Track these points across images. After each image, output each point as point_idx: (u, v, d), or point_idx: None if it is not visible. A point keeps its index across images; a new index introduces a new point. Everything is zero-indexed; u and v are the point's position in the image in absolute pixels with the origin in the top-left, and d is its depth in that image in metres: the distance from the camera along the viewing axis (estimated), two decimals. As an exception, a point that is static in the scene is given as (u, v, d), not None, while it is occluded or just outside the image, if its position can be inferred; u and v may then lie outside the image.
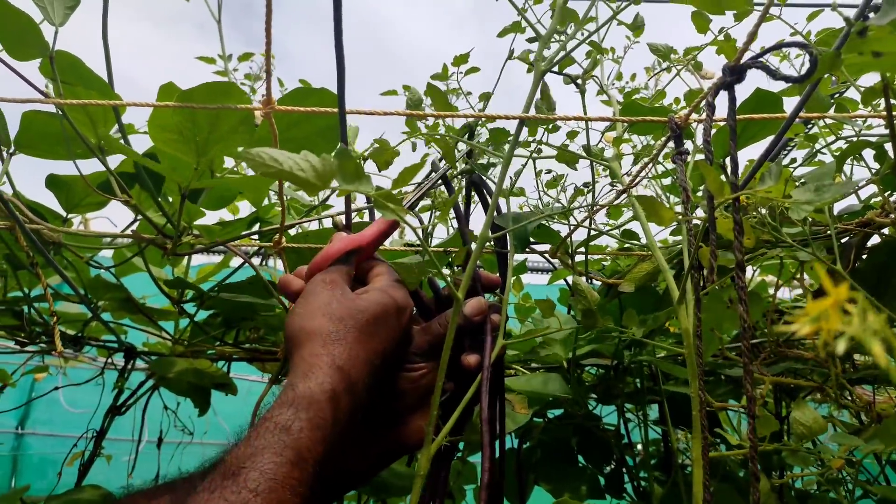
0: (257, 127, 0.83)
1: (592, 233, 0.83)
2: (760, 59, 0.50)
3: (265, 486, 0.42)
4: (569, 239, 0.80)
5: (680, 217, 0.54)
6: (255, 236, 0.86)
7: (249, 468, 0.43)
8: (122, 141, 0.75)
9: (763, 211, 0.74)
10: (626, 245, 0.92)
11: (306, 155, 0.44)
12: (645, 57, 1.10)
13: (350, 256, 0.62)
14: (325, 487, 0.56)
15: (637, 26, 0.86)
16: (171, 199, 0.81)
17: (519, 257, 1.56)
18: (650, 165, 0.67)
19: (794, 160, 0.84)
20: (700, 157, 0.82)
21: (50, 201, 0.90)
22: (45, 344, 1.10)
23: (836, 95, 0.84)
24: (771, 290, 0.89)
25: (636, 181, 0.67)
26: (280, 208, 0.74)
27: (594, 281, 0.94)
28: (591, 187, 0.82)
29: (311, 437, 0.46)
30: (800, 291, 1.26)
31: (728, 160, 0.51)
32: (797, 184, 0.56)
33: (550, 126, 0.73)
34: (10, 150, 0.79)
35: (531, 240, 0.90)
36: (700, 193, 0.81)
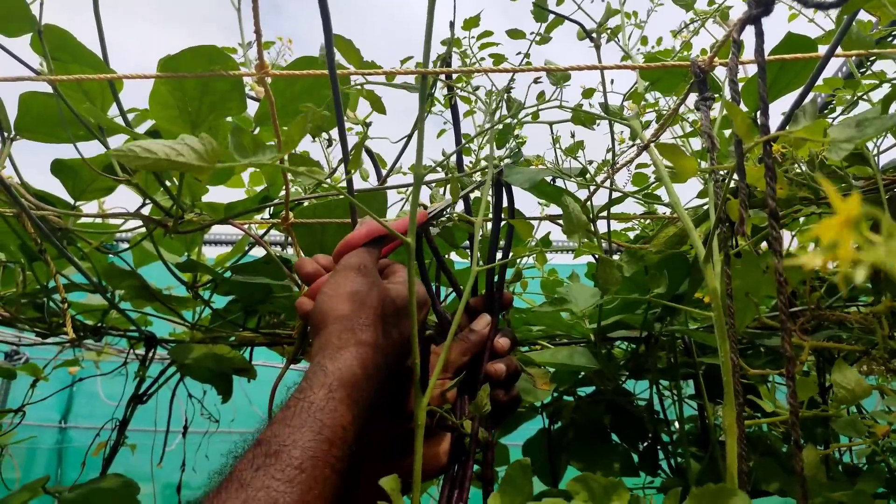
0: (258, 102, 0.81)
1: (615, 195, 0.78)
2: (790, -14, 0.45)
3: (309, 464, 0.44)
4: (590, 203, 0.76)
5: (704, 168, 0.49)
6: (265, 215, 0.83)
7: (291, 446, 0.44)
8: (120, 119, 0.73)
9: (800, 167, 0.69)
10: (652, 209, 0.87)
11: (184, 138, 0.41)
12: (670, 21, 1.04)
13: (378, 242, 0.62)
14: None
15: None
16: (175, 180, 0.79)
17: (541, 232, 1.51)
18: (674, 113, 0.62)
19: (832, 109, 0.78)
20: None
21: (59, 190, 0.88)
22: (67, 335, 1.09)
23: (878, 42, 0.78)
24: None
25: (659, 134, 0.62)
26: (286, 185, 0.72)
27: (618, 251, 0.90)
28: (610, 148, 0.77)
29: (346, 415, 0.48)
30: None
31: (759, 109, 0.46)
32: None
33: (560, 77, 0.69)
34: (11, 135, 0.77)
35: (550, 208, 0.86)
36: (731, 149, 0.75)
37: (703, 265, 0.53)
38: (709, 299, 1.18)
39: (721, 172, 0.51)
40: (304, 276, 0.63)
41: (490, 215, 0.71)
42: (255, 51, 0.55)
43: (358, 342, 0.53)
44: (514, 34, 0.69)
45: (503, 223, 0.71)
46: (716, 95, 0.73)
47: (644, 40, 1.09)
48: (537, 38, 0.91)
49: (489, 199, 0.71)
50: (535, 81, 0.75)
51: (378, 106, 0.75)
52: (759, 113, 0.45)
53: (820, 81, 1.06)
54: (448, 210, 0.70)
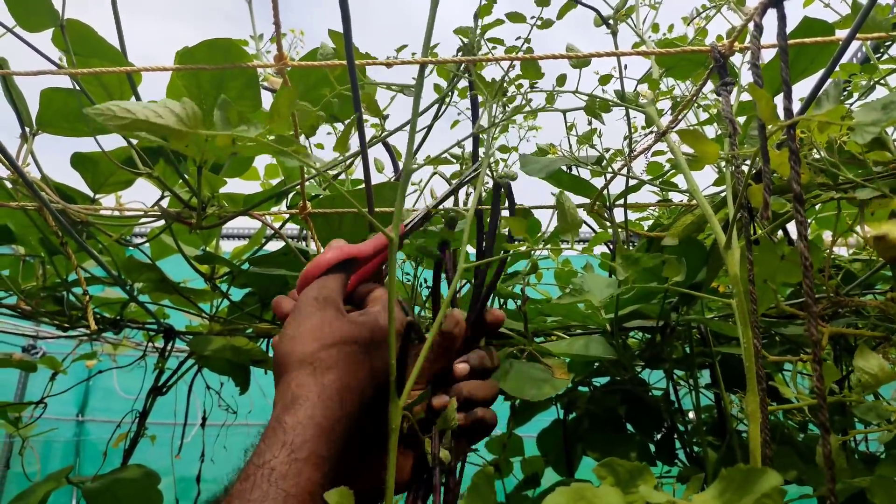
0: (274, 94, 0.81)
1: (631, 183, 0.78)
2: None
3: None
4: (606, 192, 0.76)
5: (725, 154, 0.49)
6: (283, 206, 0.84)
7: None
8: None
9: (819, 153, 0.69)
10: (667, 198, 0.87)
11: (166, 102, 0.40)
12: (680, 9, 1.03)
13: (347, 267, 0.56)
14: None
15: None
16: (194, 174, 0.79)
17: (553, 224, 1.51)
18: (692, 99, 0.62)
19: (849, 94, 0.77)
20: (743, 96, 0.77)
21: (78, 183, 0.89)
22: (87, 328, 1.11)
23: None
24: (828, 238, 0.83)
25: (677, 121, 0.62)
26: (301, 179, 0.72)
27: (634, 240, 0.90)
28: (627, 136, 0.77)
29: (313, 476, 0.43)
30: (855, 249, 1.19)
31: (781, 93, 0.46)
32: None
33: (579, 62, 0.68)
34: (33, 130, 0.78)
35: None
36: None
37: (723, 252, 0.53)
38: (724, 288, 1.18)
39: (741, 158, 0.51)
40: (281, 317, 0.55)
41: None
42: (268, 43, 0.55)
43: (321, 388, 0.47)
44: (515, 17, 0.68)
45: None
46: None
47: (655, 27, 1.08)
48: (539, 23, 0.91)
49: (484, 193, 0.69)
50: (531, 86, 0.74)
51: (373, 108, 0.72)
52: (782, 97, 0.45)
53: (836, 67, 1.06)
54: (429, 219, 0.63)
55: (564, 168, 0.82)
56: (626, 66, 0.91)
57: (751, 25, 0.49)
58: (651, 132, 0.70)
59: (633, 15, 0.89)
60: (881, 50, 0.84)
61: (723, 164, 0.86)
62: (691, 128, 0.89)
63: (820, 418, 0.35)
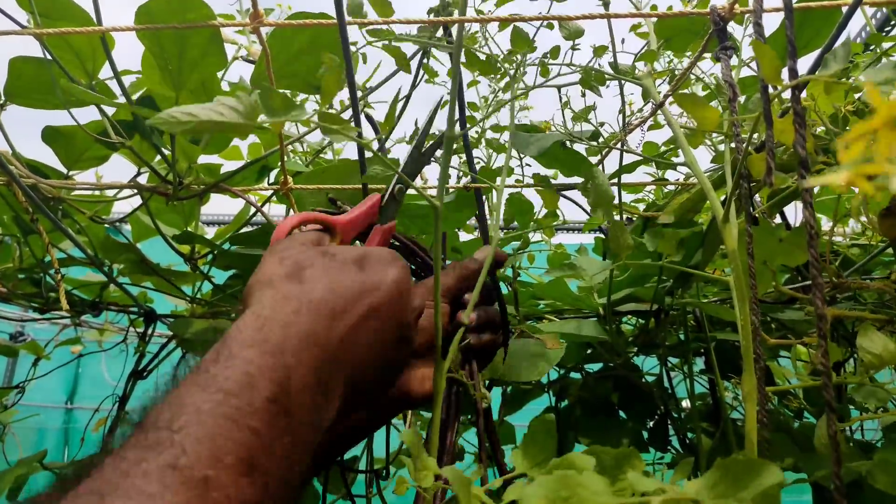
0: (254, 64, 0.78)
1: (629, 160, 0.75)
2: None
3: None
4: (601, 168, 0.73)
5: (725, 125, 0.46)
6: (266, 182, 0.81)
7: None
8: (114, 81, 0.70)
9: (820, 128, 0.66)
10: (664, 177, 0.84)
11: (221, 100, 0.40)
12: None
13: (321, 232, 0.50)
14: (330, 444, 0.51)
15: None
16: (168, 146, 0.76)
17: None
18: (692, 67, 0.59)
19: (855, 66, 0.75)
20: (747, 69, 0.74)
21: (51, 159, 0.86)
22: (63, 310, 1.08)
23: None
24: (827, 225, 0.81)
25: (675, 90, 0.59)
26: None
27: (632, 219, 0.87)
28: (621, 110, 0.74)
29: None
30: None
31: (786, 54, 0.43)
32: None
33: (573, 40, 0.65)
34: (1, 102, 0.74)
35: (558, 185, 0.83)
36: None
37: (721, 226, 0.50)
38: (720, 273, 1.15)
39: (741, 125, 0.48)
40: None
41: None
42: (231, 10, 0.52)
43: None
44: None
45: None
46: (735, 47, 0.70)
47: (654, 7, 1.05)
48: None
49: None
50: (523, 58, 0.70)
51: (403, 63, 0.68)
52: (787, 58, 0.42)
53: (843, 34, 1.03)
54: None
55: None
56: (623, 41, 0.88)
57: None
58: (648, 103, 0.67)
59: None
60: (890, 25, 0.82)
61: (720, 141, 0.83)
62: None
63: (826, 396, 0.33)
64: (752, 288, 0.45)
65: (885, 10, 0.97)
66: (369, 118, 0.81)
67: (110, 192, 0.81)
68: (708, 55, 0.65)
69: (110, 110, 0.77)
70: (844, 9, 0.62)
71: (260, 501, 0.32)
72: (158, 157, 0.77)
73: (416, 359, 0.55)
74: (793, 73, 0.41)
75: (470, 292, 0.56)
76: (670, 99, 0.68)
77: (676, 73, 0.75)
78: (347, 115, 0.84)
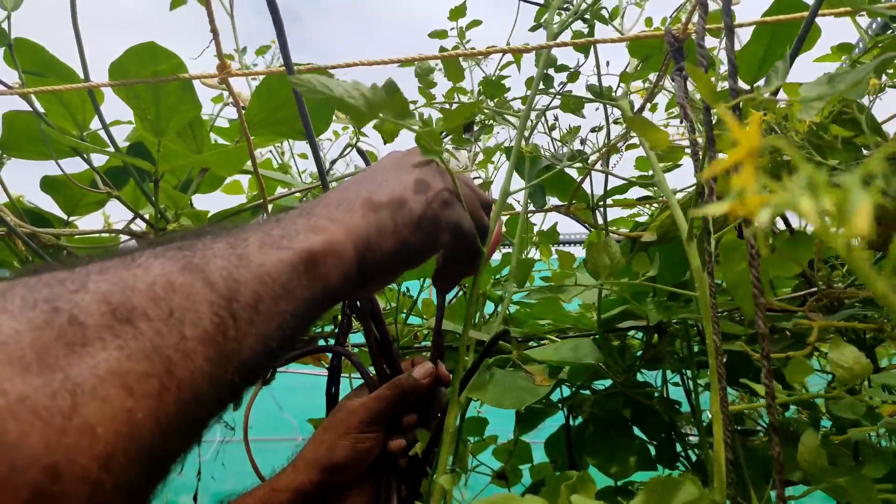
0: (244, 109, 0.80)
1: (612, 182, 0.75)
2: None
3: None
4: (587, 188, 0.73)
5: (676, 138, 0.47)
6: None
7: None
8: (102, 133, 0.72)
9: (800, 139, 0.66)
10: (647, 195, 0.84)
11: (357, 84, 0.43)
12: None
13: None
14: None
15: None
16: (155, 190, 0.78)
17: (548, 223, 1.48)
18: (655, 87, 0.60)
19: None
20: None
21: (53, 206, 0.89)
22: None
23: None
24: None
25: (640, 110, 0.59)
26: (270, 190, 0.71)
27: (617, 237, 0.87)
28: (601, 127, 0.74)
29: None
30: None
31: (734, 74, 0.43)
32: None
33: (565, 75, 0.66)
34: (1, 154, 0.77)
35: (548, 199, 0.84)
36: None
37: (686, 243, 0.50)
38: (725, 283, 1.14)
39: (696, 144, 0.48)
40: None
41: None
42: (226, 52, 0.54)
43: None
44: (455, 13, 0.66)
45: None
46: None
47: (649, 21, 1.06)
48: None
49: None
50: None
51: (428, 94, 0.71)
52: (729, 74, 0.43)
53: (828, 51, 1.02)
54: None
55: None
56: (608, 63, 0.88)
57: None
58: (617, 122, 0.68)
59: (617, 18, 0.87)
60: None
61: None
62: (668, 119, 0.87)
63: (770, 419, 0.33)
64: (756, 298, 0.45)
65: (878, 19, 0.96)
66: (360, 151, 0.83)
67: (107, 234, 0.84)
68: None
69: (104, 159, 0.80)
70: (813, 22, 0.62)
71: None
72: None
73: (350, 489, 0.58)
74: (733, 92, 0.41)
75: (409, 413, 0.61)
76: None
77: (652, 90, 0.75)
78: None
